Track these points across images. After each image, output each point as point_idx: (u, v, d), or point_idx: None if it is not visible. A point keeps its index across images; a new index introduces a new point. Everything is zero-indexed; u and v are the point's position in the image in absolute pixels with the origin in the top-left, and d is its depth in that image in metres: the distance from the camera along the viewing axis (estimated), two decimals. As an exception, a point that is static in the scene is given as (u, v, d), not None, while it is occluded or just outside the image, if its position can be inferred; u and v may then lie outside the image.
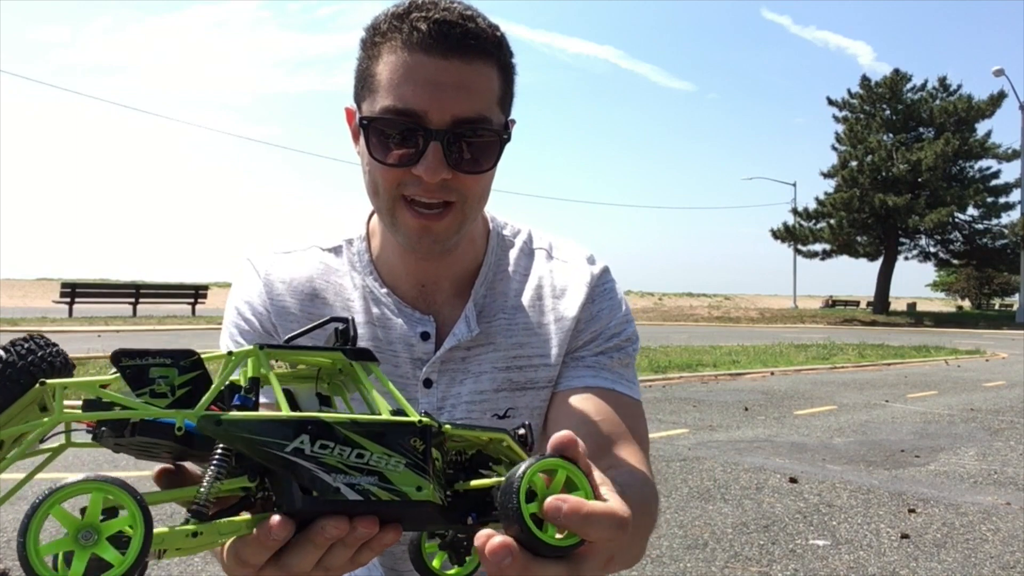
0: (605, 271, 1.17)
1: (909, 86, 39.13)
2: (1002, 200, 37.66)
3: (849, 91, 40.62)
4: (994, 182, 38.05)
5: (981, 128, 38.20)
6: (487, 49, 0.95)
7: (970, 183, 37.37)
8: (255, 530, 0.57)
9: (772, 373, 12.24)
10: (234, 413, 0.57)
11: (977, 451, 6.42)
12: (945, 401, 9.46)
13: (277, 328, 1.08)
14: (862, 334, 25.46)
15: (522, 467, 0.60)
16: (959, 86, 39.24)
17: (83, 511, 0.50)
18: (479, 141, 0.96)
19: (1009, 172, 67.03)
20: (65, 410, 0.55)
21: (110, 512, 0.52)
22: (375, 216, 1.14)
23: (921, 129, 38.89)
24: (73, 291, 22.54)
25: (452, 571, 0.71)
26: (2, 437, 0.56)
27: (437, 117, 0.92)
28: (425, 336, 1.09)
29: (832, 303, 48.69)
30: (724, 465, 5.70)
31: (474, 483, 0.65)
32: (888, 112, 39.26)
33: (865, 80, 40.03)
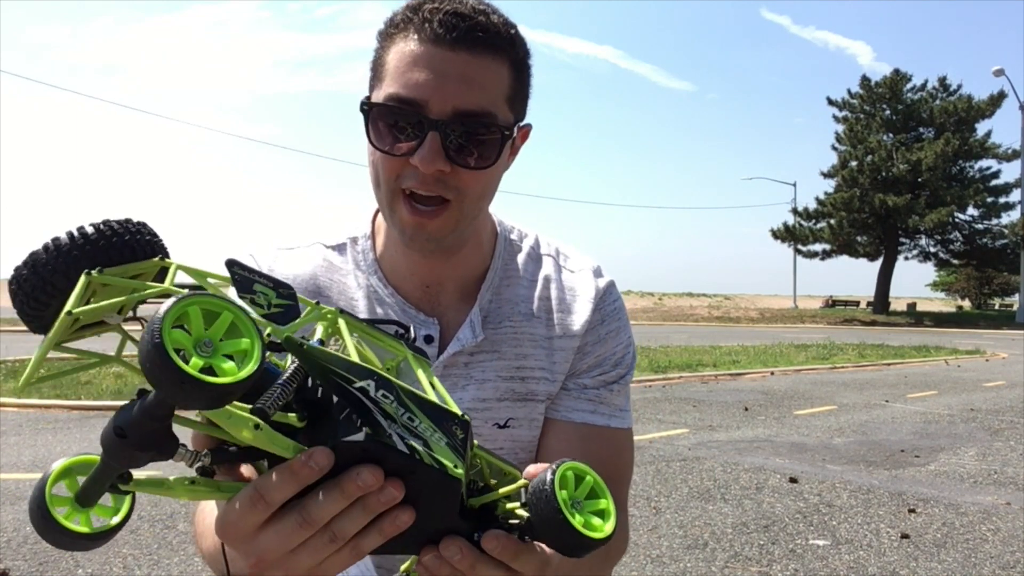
0: (611, 287, 1.16)
1: (909, 86, 39.13)
2: (1002, 200, 37.66)
3: (849, 91, 40.66)
4: (994, 182, 38.05)
5: (981, 128, 38.27)
6: (497, 44, 0.94)
7: (970, 183, 37.37)
8: (292, 460, 0.58)
9: (772, 373, 12.24)
10: (319, 347, 0.61)
11: (977, 451, 6.42)
12: (945, 401, 9.46)
13: None
14: (862, 334, 25.45)
15: (555, 464, 0.63)
16: (959, 86, 39.28)
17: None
18: (480, 136, 0.94)
19: (1009, 172, 67.17)
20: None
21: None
22: (380, 214, 1.12)
23: (921, 129, 38.90)
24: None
25: None
26: (105, 282, 0.60)
27: (438, 107, 0.91)
28: (428, 339, 1.07)
29: (832, 303, 48.62)
30: (724, 465, 5.70)
31: (490, 496, 0.66)
32: (888, 112, 39.25)
33: (865, 80, 40.04)
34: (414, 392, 0.61)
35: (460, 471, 0.61)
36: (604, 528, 0.62)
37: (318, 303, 0.66)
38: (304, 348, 0.59)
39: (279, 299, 0.63)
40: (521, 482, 0.66)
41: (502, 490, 0.66)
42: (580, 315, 1.12)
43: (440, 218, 0.96)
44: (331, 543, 0.61)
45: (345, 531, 0.60)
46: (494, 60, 0.94)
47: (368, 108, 0.95)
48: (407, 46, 0.93)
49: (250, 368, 0.51)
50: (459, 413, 0.62)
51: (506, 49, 0.95)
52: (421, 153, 0.91)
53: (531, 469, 0.68)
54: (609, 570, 1.09)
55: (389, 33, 0.97)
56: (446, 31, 0.91)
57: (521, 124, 1.02)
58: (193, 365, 0.49)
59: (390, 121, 0.94)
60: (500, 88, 0.95)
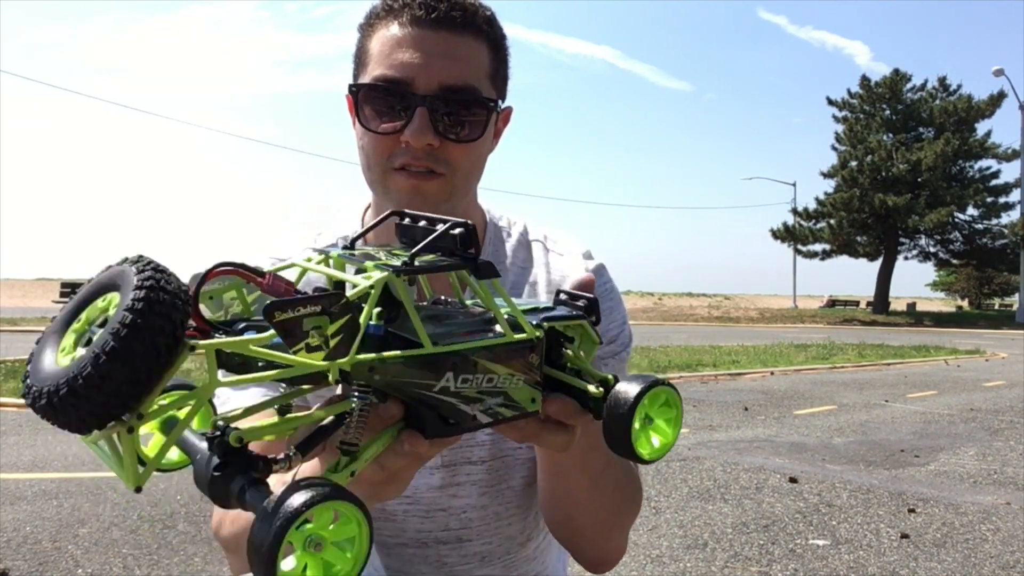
0: (601, 268, 1.16)
1: (909, 86, 39.11)
2: (1002, 200, 37.64)
3: (849, 91, 40.61)
4: (994, 182, 38.03)
5: (981, 128, 38.22)
6: (476, 24, 0.98)
7: (970, 183, 37.36)
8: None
9: (772, 373, 12.23)
10: (388, 354, 0.57)
11: (977, 451, 6.42)
12: (945, 401, 9.46)
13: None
14: (862, 334, 25.45)
15: (637, 388, 0.64)
16: (959, 86, 39.26)
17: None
18: (466, 110, 0.97)
19: (1009, 172, 67.00)
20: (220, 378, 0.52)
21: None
22: (369, 212, 1.13)
23: (921, 129, 38.87)
24: (73, 291, 22.49)
25: None
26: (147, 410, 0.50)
27: (424, 83, 0.94)
28: None
29: (832, 303, 48.60)
30: (724, 465, 5.70)
31: (562, 377, 0.69)
32: (888, 112, 39.23)
33: (865, 80, 40.01)
34: (488, 346, 0.62)
35: (536, 404, 0.65)
36: (652, 450, 0.65)
37: (372, 287, 0.56)
38: (375, 372, 0.56)
39: (334, 321, 0.53)
40: (594, 385, 0.68)
41: (566, 378, 0.69)
42: None
43: (435, 182, 0.98)
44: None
45: (393, 463, 0.64)
46: (474, 39, 0.98)
47: (356, 90, 0.98)
48: (389, 31, 0.97)
49: (361, 553, 0.51)
50: (534, 336, 0.64)
51: (484, 29, 1.00)
52: (411, 128, 0.94)
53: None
54: (631, 502, 1.08)
55: (370, 23, 1.00)
56: (426, 12, 0.96)
57: (502, 106, 1.04)
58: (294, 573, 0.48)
59: (378, 101, 0.97)
60: (481, 65, 0.99)
